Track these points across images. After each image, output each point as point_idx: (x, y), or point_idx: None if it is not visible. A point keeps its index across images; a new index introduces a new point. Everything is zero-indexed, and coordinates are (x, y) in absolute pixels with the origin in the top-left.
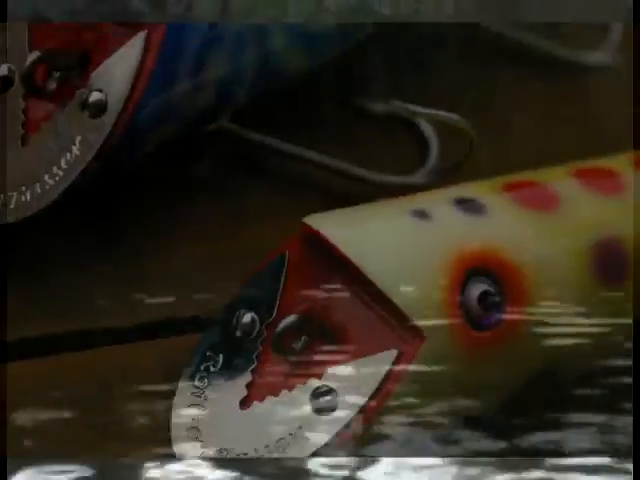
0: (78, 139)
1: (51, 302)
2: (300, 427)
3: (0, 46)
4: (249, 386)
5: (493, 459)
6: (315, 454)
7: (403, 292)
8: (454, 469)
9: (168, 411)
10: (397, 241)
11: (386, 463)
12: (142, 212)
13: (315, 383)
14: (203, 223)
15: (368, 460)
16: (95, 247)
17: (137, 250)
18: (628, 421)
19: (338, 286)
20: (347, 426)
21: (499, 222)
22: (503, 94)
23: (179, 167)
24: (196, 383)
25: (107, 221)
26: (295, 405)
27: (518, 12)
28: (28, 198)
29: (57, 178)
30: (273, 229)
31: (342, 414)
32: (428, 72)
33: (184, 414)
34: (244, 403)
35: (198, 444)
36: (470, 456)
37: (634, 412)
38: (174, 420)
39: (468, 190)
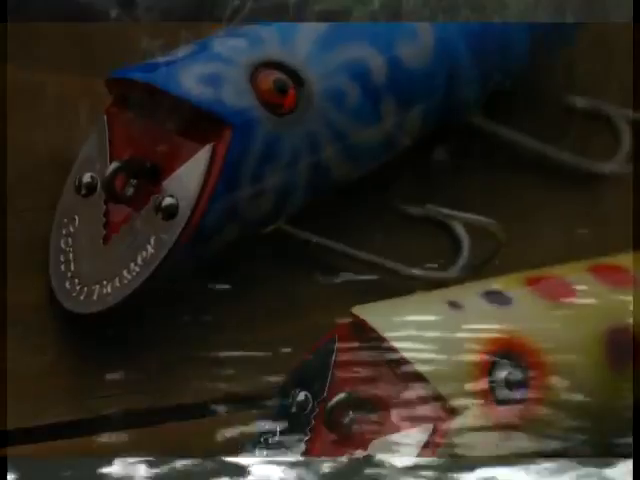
0: (152, 239)
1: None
2: None
3: None
4: (304, 455)
5: None
6: None
7: (439, 374)
8: None
9: None
10: (433, 328)
11: None
12: (206, 304)
13: (361, 453)
14: (261, 313)
15: None
16: (164, 335)
17: (205, 338)
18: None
19: (382, 368)
20: None
21: (522, 312)
22: (528, 199)
23: (241, 263)
24: (256, 454)
25: (175, 311)
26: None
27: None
28: (109, 291)
29: (134, 273)
30: (324, 318)
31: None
32: (460, 179)
33: None
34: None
35: None
36: None
37: (634, 412)
38: None
39: (495, 284)
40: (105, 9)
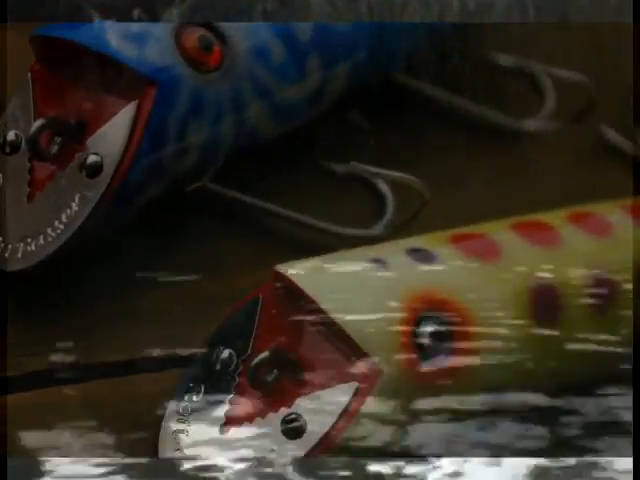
0: (77, 196)
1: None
2: (272, 450)
3: None
4: (227, 414)
5: None
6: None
7: (362, 330)
8: None
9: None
10: (357, 285)
11: None
12: (132, 258)
13: (285, 411)
14: (188, 270)
15: None
16: (90, 290)
17: (127, 293)
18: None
19: (306, 325)
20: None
21: (447, 269)
22: (452, 157)
23: (165, 221)
24: (181, 411)
25: (104, 265)
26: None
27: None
28: (33, 249)
29: (59, 231)
30: (249, 276)
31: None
32: (385, 138)
33: (170, 440)
34: (223, 428)
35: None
36: None
37: (634, 412)
38: (160, 446)
39: (419, 241)
40: None
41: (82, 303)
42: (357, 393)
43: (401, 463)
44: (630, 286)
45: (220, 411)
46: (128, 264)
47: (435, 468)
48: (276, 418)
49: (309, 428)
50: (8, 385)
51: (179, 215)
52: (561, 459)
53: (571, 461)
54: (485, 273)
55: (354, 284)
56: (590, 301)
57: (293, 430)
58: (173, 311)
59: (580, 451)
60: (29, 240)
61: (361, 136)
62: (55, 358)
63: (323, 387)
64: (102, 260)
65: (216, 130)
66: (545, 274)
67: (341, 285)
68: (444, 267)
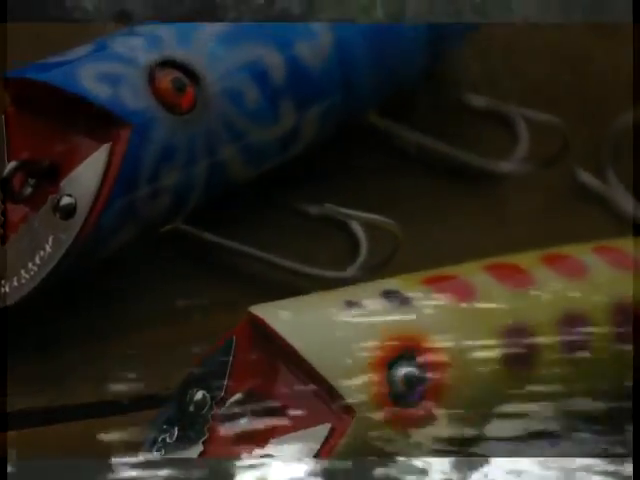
0: (50, 238)
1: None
2: None
3: None
4: (201, 455)
5: None
6: None
7: (337, 373)
8: None
9: None
10: (331, 327)
11: None
12: (108, 302)
13: (259, 452)
14: (162, 312)
15: None
16: (65, 334)
17: (103, 336)
18: None
19: (280, 367)
20: None
21: (421, 311)
22: (426, 199)
23: (137, 262)
24: (154, 453)
25: (76, 309)
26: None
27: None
28: (7, 290)
29: (32, 273)
30: (222, 317)
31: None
32: (359, 179)
33: None
34: None
35: None
36: None
37: (634, 412)
38: None
39: (393, 283)
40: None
41: (52, 346)
42: (331, 434)
43: None
44: (605, 328)
45: (193, 452)
46: (98, 307)
47: None
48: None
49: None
50: None
51: (151, 256)
52: None
53: None
54: (459, 314)
55: (328, 326)
56: (564, 340)
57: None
58: (145, 354)
59: None
60: (3, 282)
61: (334, 178)
62: (22, 401)
63: (297, 429)
64: (73, 303)
65: (189, 172)
66: (519, 316)
67: (315, 327)
68: (418, 309)
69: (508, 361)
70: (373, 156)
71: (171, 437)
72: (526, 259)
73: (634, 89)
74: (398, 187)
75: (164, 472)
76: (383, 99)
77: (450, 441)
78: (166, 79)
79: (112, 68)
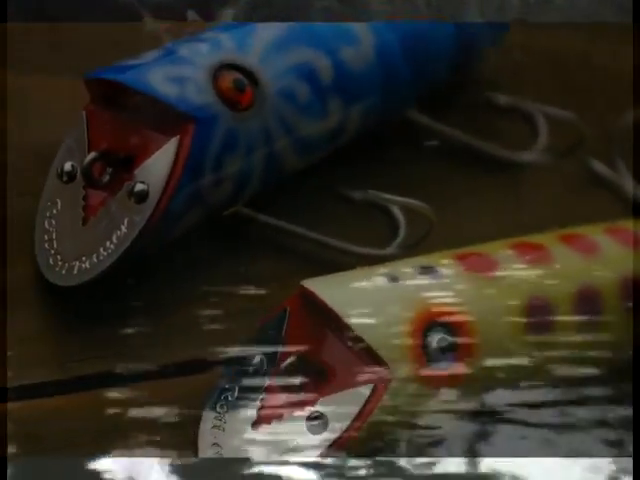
0: (126, 220)
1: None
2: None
3: None
4: (259, 411)
5: None
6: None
7: (378, 339)
8: None
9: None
10: (373, 298)
11: None
12: (174, 279)
13: (309, 410)
14: (228, 286)
15: None
16: (133, 308)
17: (168, 309)
18: None
19: (327, 334)
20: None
21: (452, 285)
22: (456, 186)
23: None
24: (217, 409)
25: (144, 286)
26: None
27: None
28: (88, 266)
29: (110, 251)
30: (277, 290)
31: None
32: (398, 169)
33: (208, 436)
34: (255, 425)
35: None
36: None
37: (634, 412)
38: (200, 441)
39: (428, 260)
40: None
41: (125, 317)
42: (373, 393)
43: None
44: (615, 301)
45: (252, 410)
46: (171, 278)
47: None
48: (302, 416)
49: (330, 425)
50: (60, 385)
51: (216, 237)
52: None
53: None
54: (486, 287)
55: (370, 298)
56: (579, 310)
57: (316, 427)
58: (210, 321)
59: None
60: (84, 259)
61: (376, 167)
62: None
63: (343, 389)
64: (146, 277)
65: (248, 162)
66: (540, 289)
67: (359, 298)
68: (450, 282)
69: (530, 329)
70: (411, 148)
71: (232, 396)
72: (545, 238)
73: (634, 89)
74: (432, 175)
75: None
76: (418, 97)
77: (477, 401)
78: (228, 79)
79: (179, 70)
